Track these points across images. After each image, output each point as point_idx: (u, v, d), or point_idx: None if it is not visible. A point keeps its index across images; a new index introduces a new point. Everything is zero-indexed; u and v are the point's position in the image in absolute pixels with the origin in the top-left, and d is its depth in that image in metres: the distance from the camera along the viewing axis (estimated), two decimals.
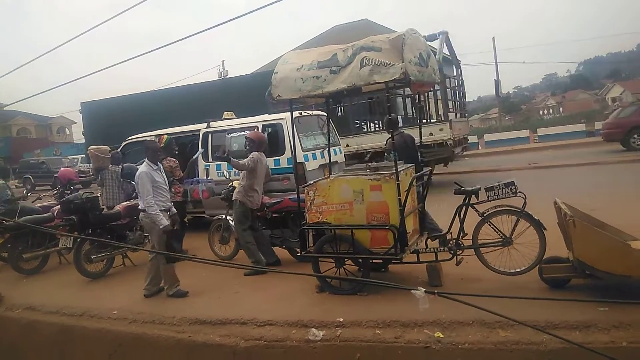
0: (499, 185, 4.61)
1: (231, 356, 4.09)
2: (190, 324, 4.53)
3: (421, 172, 5.22)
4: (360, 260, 4.80)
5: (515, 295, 3.87)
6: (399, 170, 4.43)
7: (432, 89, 10.27)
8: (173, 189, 6.98)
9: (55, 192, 8.57)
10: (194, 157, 8.10)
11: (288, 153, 7.69)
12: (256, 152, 5.98)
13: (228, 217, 6.58)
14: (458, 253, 4.72)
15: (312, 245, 4.93)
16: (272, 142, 7.90)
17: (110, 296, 5.62)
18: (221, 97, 14.06)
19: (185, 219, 7.57)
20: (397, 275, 5.10)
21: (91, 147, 8.21)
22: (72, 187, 7.74)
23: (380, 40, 4.41)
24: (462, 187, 4.81)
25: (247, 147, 6.16)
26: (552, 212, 4.47)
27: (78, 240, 6.24)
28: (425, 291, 2.52)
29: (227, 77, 25.97)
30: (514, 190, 4.56)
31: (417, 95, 5.66)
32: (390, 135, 5.33)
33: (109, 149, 8.29)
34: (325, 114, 8.51)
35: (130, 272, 6.70)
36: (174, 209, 5.55)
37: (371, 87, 4.76)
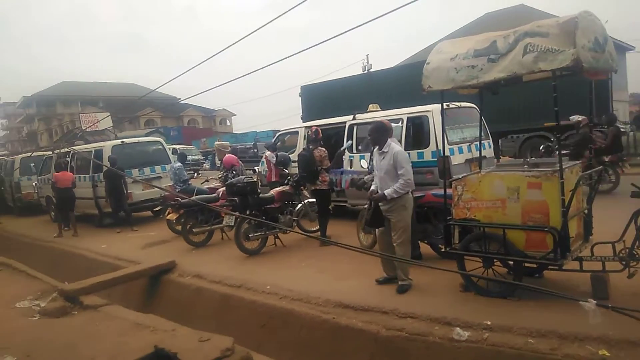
0: None
1: (372, 343, 4.17)
2: (334, 307, 4.73)
3: (591, 171, 4.67)
4: (512, 262, 4.49)
5: None
6: (564, 167, 4.02)
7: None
8: (320, 178, 7.36)
9: (220, 175, 9.67)
10: (342, 148, 8.39)
11: (433, 146, 7.50)
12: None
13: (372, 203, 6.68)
14: (631, 264, 4.12)
15: (457, 242, 4.75)
16: (417, 134, 7.80)
17: (264, 272, 6.15)
18: (370, 89, 14.34)
19: (330, 207, 7.90)
20: (554, 283, 4.65)
21: (216, 142, 9.56)
22: (234, 172, 8.66)
23: (548, 24, 4.02)
24: None
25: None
26: None
27: (239, 219, 6.96)
28: (596, 304, 2.24)
29: (372, 70, 26.16)
30: None
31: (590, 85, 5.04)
32: None
33: (229, 144, 9.89)
34: (475, 106, 8.12)
35: (281, 252, 7.26)
36: None
37: (534, 76, 4.38)
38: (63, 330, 5.18)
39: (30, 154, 15.58)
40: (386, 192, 4.92)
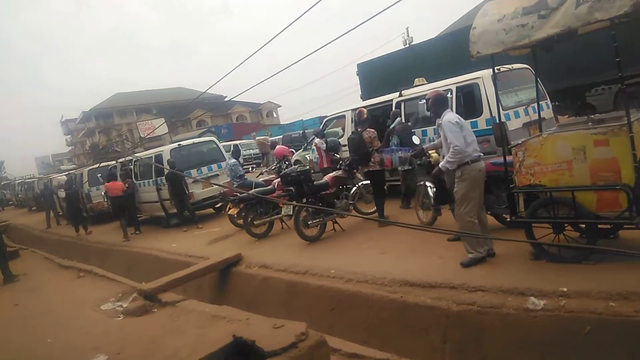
0: None
1: (444, 318, 4.15)
2: (401, 285, 4.74)
3: None
4: (584, 225, 4.29)
5: None
6: (632, 119, 3.77)
7: None
8: (372, 159, 7.32)
9: (273, 167, 9.88)
10: (391, 126, 8.29)
11: (486, 113, 7.25)
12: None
13: (427, 183, 6.61)
14: None
15: (523, 210, 4.59)
16: (468, 103, 7.56)
17: (327, 257, 6.24)
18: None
19: (385, 187, 7.87)
20: (631, 243, 4.39)
21: (258, 137, 9.77)
22: (286, 162, 8.81)
23: None
24: None
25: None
26: None
27: (296, 208, 7.09)
28: None
29: (413, 43, 25.36)
30: None
31: None
32: None
33: (269, 139, 9.37)
34: (528, 67, 7.73)
35: (340, 236, 7.33)
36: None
37: (591, 27, 4.11)
38: (146, 328, 5.53)
39: (97, 165, 16.55)
40: (440, 164, 4.92)
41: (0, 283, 10.31)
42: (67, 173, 19.14)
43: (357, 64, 16.79)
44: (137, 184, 12.51)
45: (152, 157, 12.10)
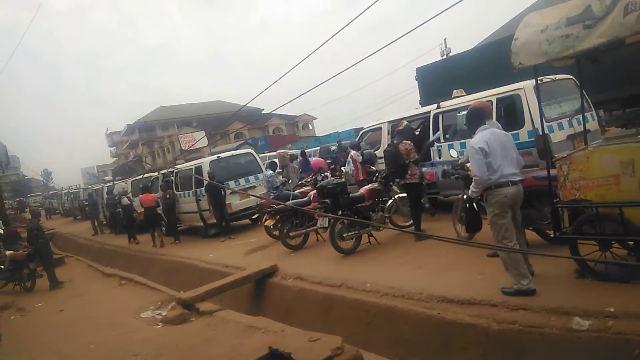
0: None
1: (484, 337, 4.03)
2: (438, 301, 4.64)
3: None
4: (633, 242, 4.09)
5: None
6: None
7: None
8: (409, 171, 7.25)
9: (310, 179, 9.94)
10: (431, 139, 8.19)
11: (528, 125, 7.05)
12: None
13: (464, 197, 6.47)
14: None
15: (568, 226, 4.42)
16: (509, 115, 7.38)
17: (362, 270, 6.19)
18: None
19: (422, 200, 7.76)
20: None
21: (278, 150, 10.35)
22: (323, 175, 8.84)
23: None
24: None
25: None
26: None
27: (332, 220, 7.08)
28: None
29: (451, 54, 24.92)
30: None
31: None
32: None
33: (289, 153, 10.85)
34: (572, 77, 7.50)
35: (376, 250, 7.26)
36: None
37: (638, 37, 3.96)
38: (184, 336, 5.65)
39: (141, 176, 17.10)
40: (469, 192, 4.68)
41: (46, 289, 10.81)
42: (124, 181, 19.86)
43: (416, 68, 16.33)
44: (178, 195, 12.87)
45: (192, 168, 12.43)
